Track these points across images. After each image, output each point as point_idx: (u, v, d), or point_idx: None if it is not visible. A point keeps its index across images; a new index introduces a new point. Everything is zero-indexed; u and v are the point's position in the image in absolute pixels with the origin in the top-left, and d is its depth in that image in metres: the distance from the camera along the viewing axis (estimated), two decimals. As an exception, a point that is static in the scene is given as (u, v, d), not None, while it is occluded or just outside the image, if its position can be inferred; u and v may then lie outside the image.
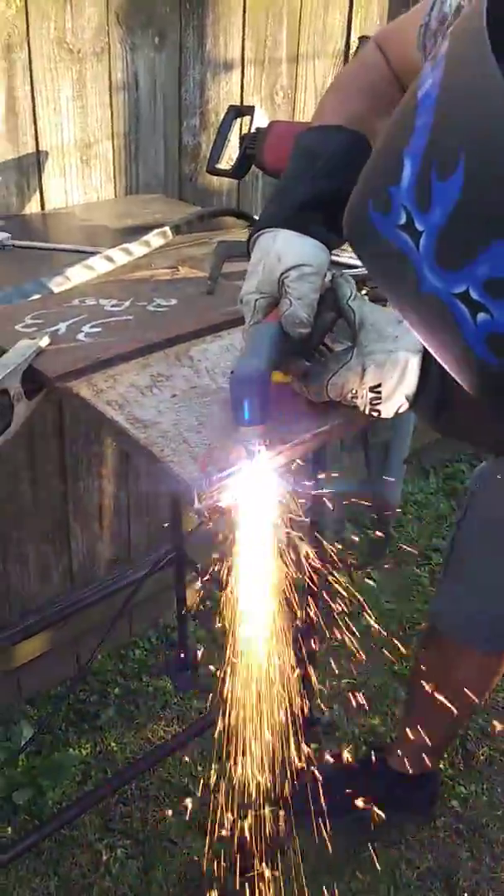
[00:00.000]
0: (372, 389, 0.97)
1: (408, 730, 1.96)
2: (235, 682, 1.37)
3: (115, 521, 2.23)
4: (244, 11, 1.95)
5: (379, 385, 0.96)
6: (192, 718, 2.22)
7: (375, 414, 0.99)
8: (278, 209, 1.00)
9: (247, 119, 1.77)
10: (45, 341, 1.09)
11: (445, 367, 0.68)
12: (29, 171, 1.76)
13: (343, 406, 1.00)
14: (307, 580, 1.50)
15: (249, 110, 1.75)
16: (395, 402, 0.97)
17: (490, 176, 0.55)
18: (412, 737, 1.95)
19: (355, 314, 0.97)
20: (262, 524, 1.02)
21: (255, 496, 0.97)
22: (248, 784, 1.59)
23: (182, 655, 2.33)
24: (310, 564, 1.34)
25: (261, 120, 1.72)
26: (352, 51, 2.16)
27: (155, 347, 1.11)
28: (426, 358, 0.95)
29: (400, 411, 0.99)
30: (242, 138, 1.72)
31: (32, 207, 1.79)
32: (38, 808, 1.97)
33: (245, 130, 1.77)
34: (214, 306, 1.24)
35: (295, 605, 1.27)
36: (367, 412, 0.99)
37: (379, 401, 0.97)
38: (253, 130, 1.71)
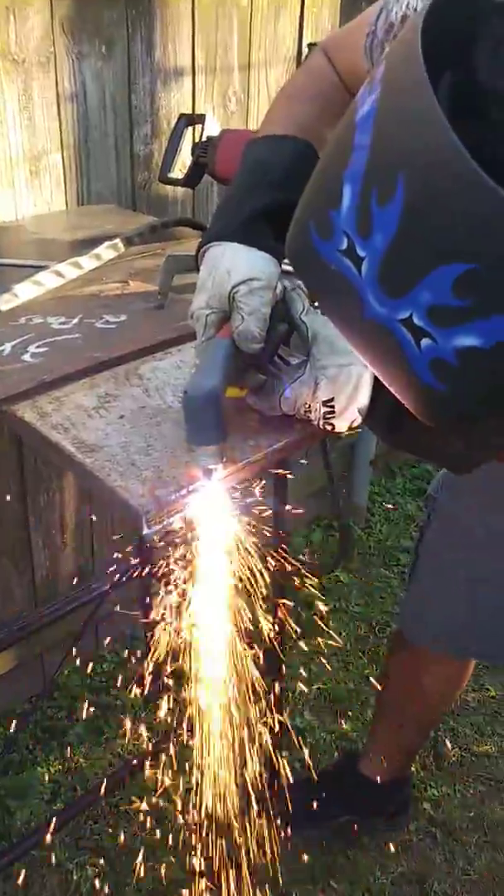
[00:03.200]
0: (325, 404, 0.96)
1: (379, 735, 1.96)
2: (201, 694, 1.36)
3: (78, 534, 2.20)
4: (193, 18, 1.93)
5: (332, 399, 0.95)
6: (161, 731, 2.20)
7: (329, 428, 0.98)
8: (226, 221, 0.98)
9: (198, 127, 1.75)
10: (-11, 363, 1.07)
11: (391, 390, 0.67)
12: (-24, 185, 1.73)
13: (297, 420, 0.99)
14: (271, 588, 1.49)
15: (200, 118, 1.73)
16: (348, 416, 0.96)
17: (429, 203, 0.54)
18: (383, 742, 1.94)
19: (308, 328, 0.96)
20: (218, 542, 1.01)
21: (211, 515, 0.96)
22: (219, 795, 1.58)
23: (149, 668, 2.31)
24: (276, 572, 1.33)
25: (212, 128, 1.70)
26: (303, 57, 2.15)
27: (103, 367, 1.09)
28: None
29: (353, 425, 0.98)
30: (194, 147, 1.70)
31: (-19, 221, 1.77)
32: (5, 828, 1.95)
33: (197, 139, 1.75)
34: (164, 322, 1.22)
35: (261, 614, 1.27)
36: (320, 426, 0.98)
37: (332, 415, 0.97)
38: (204, 139, 1.69)
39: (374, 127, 0.58)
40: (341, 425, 0.98)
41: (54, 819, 1.76)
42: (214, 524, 0.97)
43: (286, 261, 1.03)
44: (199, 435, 0.87)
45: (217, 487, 0.91)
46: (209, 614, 1.14)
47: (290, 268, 1.23)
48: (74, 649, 2.06)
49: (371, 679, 2.36)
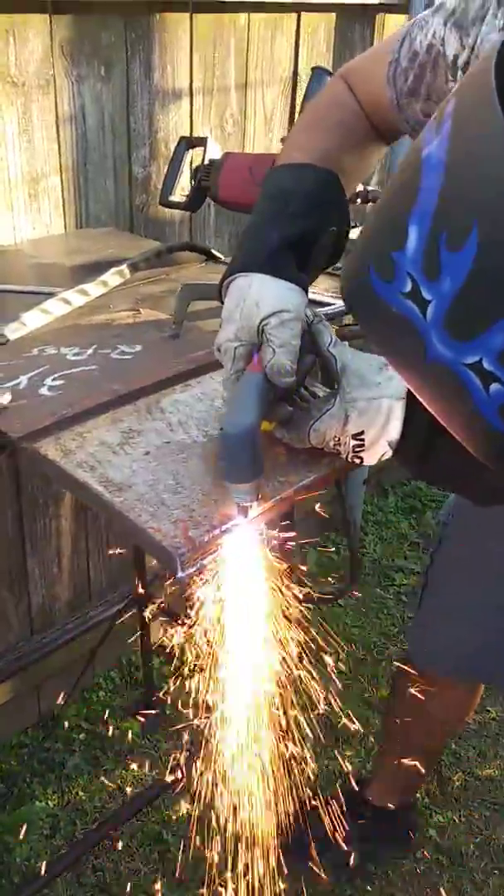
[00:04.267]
0: (355, 437, 0.94)
1: (385, 761, 1.93)
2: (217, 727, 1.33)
3: (75, 561, 2.17)
4: (191, 40, 1.92)
5: (362, 433, 0.94)
6: (160, 761, 2.16)
7: (358, 461, 0.96)
8: (251, 252, 0.96)
9: (198, 150, 1.73)
10: (6, 398, 1.04)
11: (454, 434, 0.66)
12: (-26, 208, 1.70)
13: (324, 452, 0.97)
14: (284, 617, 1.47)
15: (201, 141, 1.72)
16: (378, 449, 0.95)
17: None
18: (390, 768, 1.92)
19: (337, 360, 0.94)
20: (254, 578, 0.99)
21: (246, 552, 0.94)
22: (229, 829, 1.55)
23: (147, 696, 2.27)
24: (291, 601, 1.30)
25: (213, 151, 1.69)
26: (300, 79, 2.15)
27: (123, 400, 1.06)
28: (409, 405, 0.93)
29: (383, 458, 0.96)
30: (195, 170, 1.68)
31: (-21, 246, 1.73)
32: (4, 866, 1.89)
33: (196, 162, 1.73)
34: (181, 352, 1.19)
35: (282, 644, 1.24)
36: (349, 459, 0.96)
37: (362, 448, 0.95)
38: (206, 162, 1.67)
39: (446, 168, 0.56)
40: (370, 459, 0.96)
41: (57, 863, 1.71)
42: (247, 562, 0.95)
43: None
44: (237, 472, 0.85)
45: (250, 525, 0.89)
46: (233, 644, 1.11)
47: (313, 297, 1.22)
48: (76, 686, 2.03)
49: (370, 703, 2.34)
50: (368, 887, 1.93)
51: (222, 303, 0.98)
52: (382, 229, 0.63)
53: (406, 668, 1.81)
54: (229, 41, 2.00)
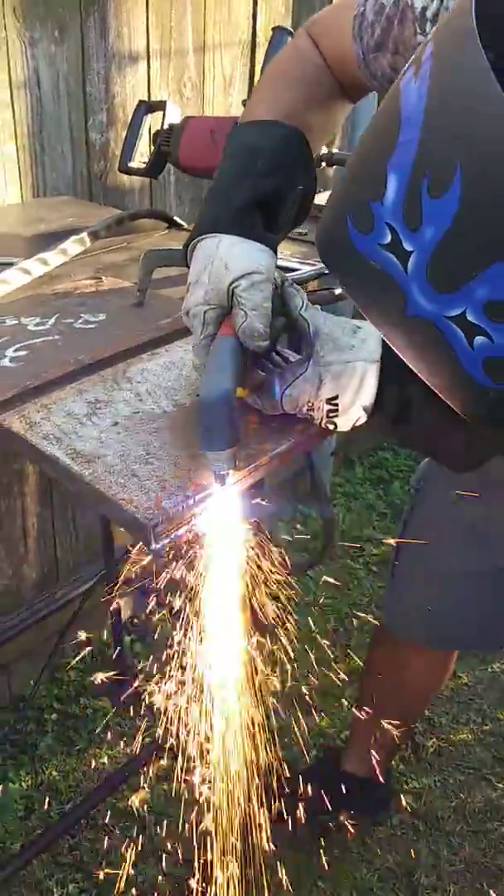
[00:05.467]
0: (329, 402, 0.92)
1: (360, 730, 1.93)
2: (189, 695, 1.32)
3: (40, 540, 2.13)
4: (147, 1, 1.86)
5: (336, 397, 0.91)
6: (134, 738, 2.14)
7: (332, 426, 0.94)
8: (217, 212, 0.93)
9: (157, 115, 1.68)
10: (-34, 370, 1.00)
11: (434, 389, 0.64)
12: None
13: (298, 419, 0.95)
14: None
15: (160, 105, 1.66)
16: (352, 414, 0.93)
17: (491, 192, 0.50)
18: (365, 737, 1.92)
19: (309, 324, 0.92)
20: (230, 548, 0.97)
21: (223, 522, 0.92)
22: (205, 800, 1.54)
23: (119, 674, 2.24)
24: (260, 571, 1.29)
25: (174, 115, 1.64)
26: (259, 41, 2.10)
27: (89, 370, 1.03)
28: (383, 367, 0.91)
29: (357, 423, 0.94)
30: (155, 135, 1.64)
31: None
32: (-20, 849, 1.87)
33: (156, 127, 1.69)
34: (146, 319, 1.16)
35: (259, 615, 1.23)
36: (322, 425, 0.94)
37: (336, 413, 0.93)
38: (166, 126, 1.62)
39: (426, 113, 0.53)
40: (345, 424, 0.94)
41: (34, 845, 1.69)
42: (224, 532, 0.92)
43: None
44: (214, 440, 0.82)
45: (226, 494, 0.86)
46: (211, 612, 1.09)
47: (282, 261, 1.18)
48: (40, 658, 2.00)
49: (343, 672, 2.34)
50: (346, 855, 1.93)
51: (188, 267, 0.94)
52: (359, 179, 0.60)
53: (381, 635, 1.81)
54: (186, 2, 1.95)
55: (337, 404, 0.92)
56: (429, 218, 0.53)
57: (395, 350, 0.64)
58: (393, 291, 0.58)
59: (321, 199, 1.15)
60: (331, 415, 0.93)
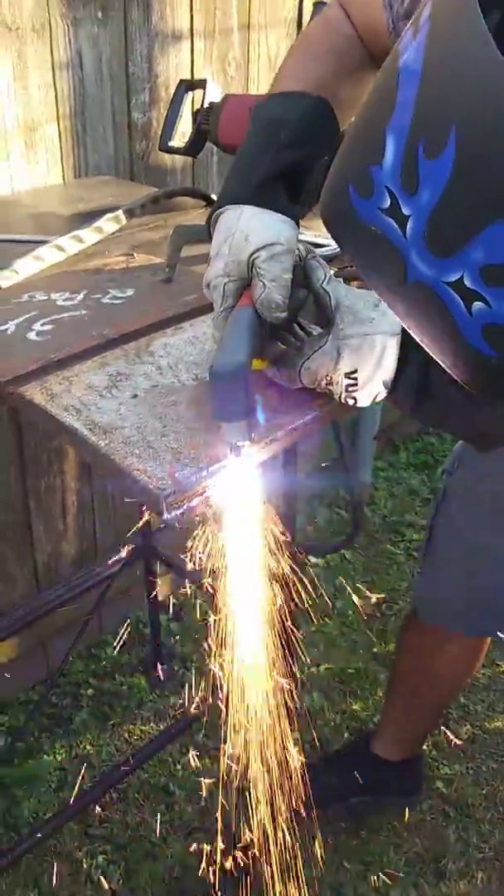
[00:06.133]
0: (348, 376, 0.91)
1: (392, 715, 1.93)
2: (221, 676, 1.32)
3: (79, 517, 2.16)
4: (190, -20, 1.86)
5: (355, 371, 0.90)
6: (169, 715, 2.17)
7: (351, 402, 0.93)
8: (240, 184, 0.93)
9: (198, 93, 1.68)
10: (-7, 342, 1.02)
11: (436, 358, 0.63)
12: (-30, 157, 1.67)
13: (317, 394, 0.94)
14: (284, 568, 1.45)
15: (201, 84, 1.67)
16: (371, 388, 0.91)
17: (485, 152, 0.49)
18: (396, 722, 1.92)
19: (331, 297, 0.91)
20: (246, 521, 0.97)
21: (238, 494, 0.92)
22: (235, 781, 1.55)
23: (155, 651, 2.27)
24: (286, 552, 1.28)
25: (213, 94, 1.64)
26: (305, 18, 2.08)
27: (112, 344, 1.04)
28: (404, 343, 0.90)
29: (377, 399, 0.93)
30: (195, 114, 1.64)
31: (-25, 195, 1.70)
32: (13, 818, 1.91)
33: (197, 105, 1.69)
34: (173, 295, 1.16)
35: (280, 595, 1.23)
36: (342, 400, 0.93)
37: (355, 387, 0.92)
38: (206, 105, 1.62)
39: (423, 72, 0.53)
40: (364, 399, 0.93)
41: (64, 812, 1.72)
42: (239, 505, 0.93)
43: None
44: (227, 411, 0.82)
45: (241, 466, 0.86)
46: (233, 594, 1.09)
47: (301, 235, 1.18)
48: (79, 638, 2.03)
49: (379, 656, 2.34)
50: (374, 837, 1.93)
51: (211, 239, 0.95)
52: (359, 143, 0.60)
53: (412, 621, 1.80)
54: (230, -19, 1.94)
55: (356, 378, 0.91)
56: (425, 181, 0.53)
57: (398, 318, 0.64)
58: (393, 257, 0.57)
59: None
60: (350, 389, 0.92)
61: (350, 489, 2.19)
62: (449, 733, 2.13)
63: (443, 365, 0.63)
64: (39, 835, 1.60)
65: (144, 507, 1.31)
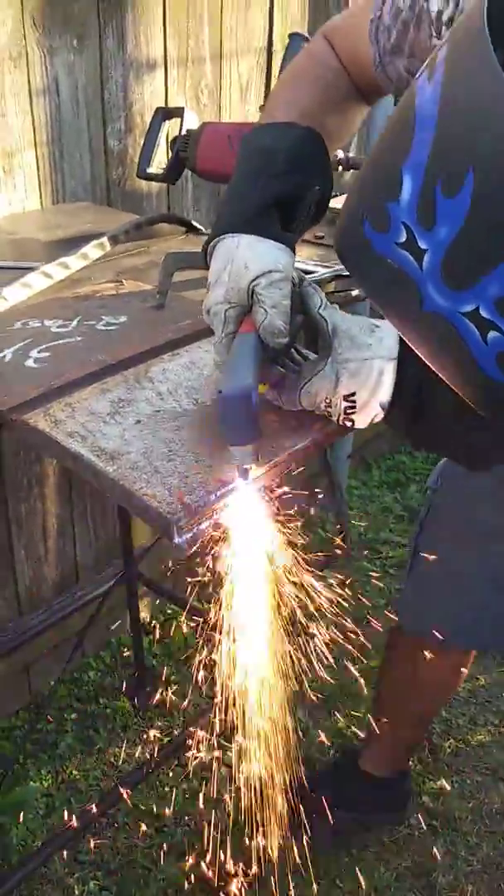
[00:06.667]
0: (346, 398, 0.94)
1: (377, 731, 1.94)
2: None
3: (60, 540, 2.15)
4: (164, 9, 1.89)
5: (353, 394, 0.93)
6: (153, 738, 2.16)
7: (349, 423, 0.96)
8: (235, 213, 0.95)
9: (174, 121, 1.71)
10: (-8, 371, 1.02)
11: (452, 386, 0.65)
12: None
13: (316, 415, 0.97)
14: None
15: (178, 112, 1.69)
16: (369, 411, 0.94)
17: (501, 192, 0.51)
18: (383, 738, 1.93)
19: (328, 322, 0.93)
20: (256, 541, 0.99)
21: (246, 516, 0.93)
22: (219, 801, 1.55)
23: (138, 674, 2.27)
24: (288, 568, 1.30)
25: (191, 121, 1.66)
26: (276, 47, 2.12)
27: (111, 370, 1.05)
28: (401, 366, 0.92)
29: (374, 421, 0.96)
30: (173, 141, 1.66)
31: (-46, 222, 1.70)
32: (1, 846, 1.89)
33: (173, 133, 1.71)
34: (166, 321, 1.18)
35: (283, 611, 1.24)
36: (340, 422, 0.96)
37: (353, 410, 0.94)
38: (184, 132, 1.65)
39: (440, 113, 0.55)
40: (362, 421, 0.96)
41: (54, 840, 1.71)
42: (247, 527, 0.94)
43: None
44: (237, 433, 0.85)
45: (248, 489, 0.88)
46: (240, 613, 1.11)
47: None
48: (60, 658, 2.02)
49: (362, 673, 2.35)
50: (364, 854, 1.94)
51: (207, 267, 0.96)
52: (376, 180, 0.62)
53: (397, 635, 1.82)
54: (203, 10, 1.97)
55: (354, 401, 0.94)
56: (443, 217, 0.55)
57: (412, 346, 0.66)
58: (409, 289, 0.60)
59: (337, 202, 1.16)
60: (348, 411, 0.95)
61: (339, 506, 2.21)
62: (433, 748, 2.16)
63: (457, 391, 0.65)
64: (31, 865, 1.59)
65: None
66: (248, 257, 0.91)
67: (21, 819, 1.91)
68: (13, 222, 1.75)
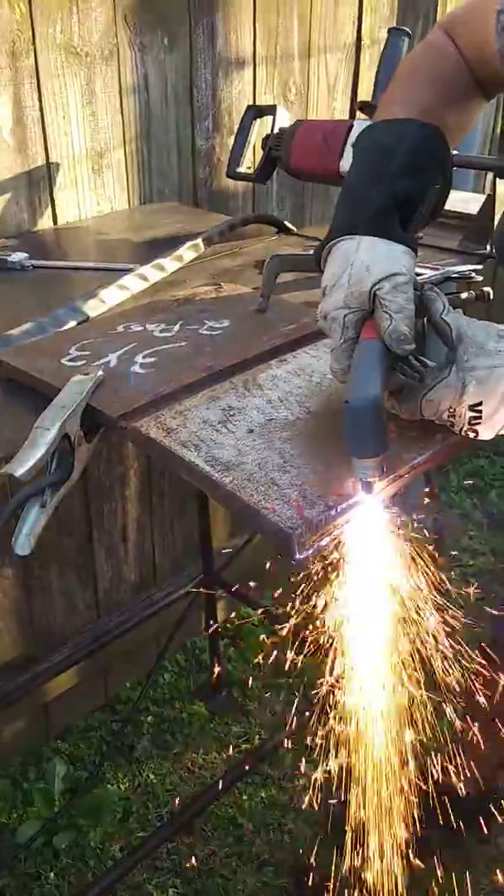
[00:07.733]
0: (472, 408, 0.89)
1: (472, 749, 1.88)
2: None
3: (139, 542, 2.14)
4: (254, 6, 1.86)
5: (480, 403, 0.88)
6: (230, 743, 2.13)
7: (473, 435, 0.91)
8: (354, 214, 0.91)
9: (267, 119, 1.68)
10: (99, 376, 1.00)
11: None
12: (39, 185, 1.66)
13: (436, 426, 0.92)
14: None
15: (270, 110, 1.66)
16: (496, 421, 0.89)
17: None
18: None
19: (451, 328, 0.89)
20: (379, 556, 0.95)
21: (370, 530, 0.90)
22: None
23: (214, 678, 2.25)
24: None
25: (283, 119, 1.63)
26: (364, 43, 2.08)
27: (218, 376, 1.02)
28: None
29: (500, 433, 0.91)
30: (265, 139, 1.63)
31: (45, 223, 1.70)
32: (80, 850, 1.89)
33: (263, 131, 1.68)
34: (270, 325, 1.15)
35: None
36: (463, 433, 0.91)
37: (479, 421, 0.89)
38: (276, 131, 1.61)
39: None
40: (487, 432, 0.91)
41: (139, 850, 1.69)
42: (370, 543, 0.91)
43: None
44: (364, 446, 0.81)
45: (371, 503, 0.84)
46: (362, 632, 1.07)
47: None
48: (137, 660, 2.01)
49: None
50: (453, 871, 1.88)
51: (320, 271, 0.93)
52: None
53: (490, 652, 1.75)
54: (292, 6, 1.94)
55: (480, 411, 0.89)
56: None
57: None
58: None
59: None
60: (473, 422, 0.90)
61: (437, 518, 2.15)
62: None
63: None
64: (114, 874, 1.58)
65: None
66: (369, 260, 0.87)
67: (99, 822, 1.91)
68: (102, 223, 1.74)
